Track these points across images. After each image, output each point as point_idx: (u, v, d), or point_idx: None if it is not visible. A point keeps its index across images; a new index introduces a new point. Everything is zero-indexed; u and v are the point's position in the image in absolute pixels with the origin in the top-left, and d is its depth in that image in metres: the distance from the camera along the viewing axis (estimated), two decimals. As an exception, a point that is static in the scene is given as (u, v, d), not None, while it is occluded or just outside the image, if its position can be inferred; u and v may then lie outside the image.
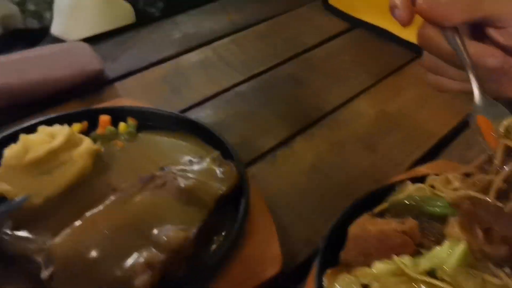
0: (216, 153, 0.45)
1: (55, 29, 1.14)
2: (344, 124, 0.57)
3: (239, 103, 0.62)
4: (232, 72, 0.68)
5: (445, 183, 0.37)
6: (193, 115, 0.59)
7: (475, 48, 0.36)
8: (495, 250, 0.31)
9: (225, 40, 0.77)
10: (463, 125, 0.56)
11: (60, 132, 0.45)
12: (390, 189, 0.40)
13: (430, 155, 0.52)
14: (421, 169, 0.44)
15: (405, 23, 0.38)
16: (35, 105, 0.59)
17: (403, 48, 0.69)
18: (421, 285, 0.29)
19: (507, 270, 0.30)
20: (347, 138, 0.54)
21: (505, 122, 0.34)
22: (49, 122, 0.48)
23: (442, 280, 0.29)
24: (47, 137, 0.44)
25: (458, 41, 0.36)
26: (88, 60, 0.64)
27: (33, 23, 2.19)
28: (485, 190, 0.34)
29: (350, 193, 0.45)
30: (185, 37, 0.77)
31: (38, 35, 1.26)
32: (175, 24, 0.81)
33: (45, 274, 0.34)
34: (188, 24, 0.81)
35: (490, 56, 0.36)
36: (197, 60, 0.71)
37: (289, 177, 0.49)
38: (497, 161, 0.33)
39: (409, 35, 0.69)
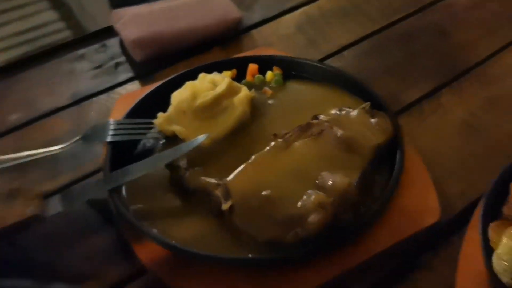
0: (367, 104, 0.48)
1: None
2: (495, 78, 0.56)
3: (378, 54, 0.62)
4: (368, 21, 0.68)
5: None
6: (332, 64, 0.61)
7: None
8: None
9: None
10: None
11: (221, 80, 0.50)
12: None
13: None
14: None
15: None
16: (182, 53, 0.65)
17: None
18: None
19: None
20: (500, 94, 0.53)
21: None
22: (205, 69, 0.53)
23: None
24: (210, 84, 0.49)
25: None
26: (228, 9, 0.68)
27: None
28: None
29: (507, 152, 0.45)
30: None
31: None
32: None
33: (225, 206, 0.40)
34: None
35: None
36: (329, 7, 0.72)
37: (438, 132, 0.50)
38: None
39: None
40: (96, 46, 0.68)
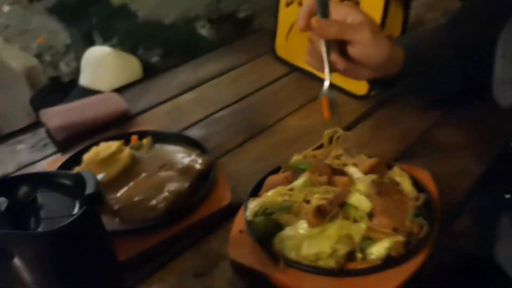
0: (198, 151, 0.87)
1: (83, 81, 1.60)
2: (278, 133, 0.98)
3: (215, 124, 1.03)
4: (211, 105, 1.10)
5: (309, 155, 0.78)
6: (187, 133, 1.00)
7: (333, 55, 0.71)
8: (319, 179, 0.71)
9: (209, 84, 1.20)
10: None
11: (113, 144, 0.86)
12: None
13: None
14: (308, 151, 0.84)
15: (301, 29, 0.71)
16: (89, 133, 1.00)
17: (321, 83, 1.11)
18: (284, 195, 0.70)
19: (324, 187, 0.70)
20: (279, 141, 0.95)
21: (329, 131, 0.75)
22: (105, 140, 0.90)
23: (293, 192, 0.70)
24: (106, 147, 0.86)
25: (325, 49, 0.71)
26: (120, 104, 1.06)
27: (50, 72, 2.70)
28: (325, 157, 0.75)
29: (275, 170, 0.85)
30: (182, 83, 1.20)
31: (68, 85, 1.72)
32: (174, 75, 1.25)
33: (116, 207, 0.75)
34: (182, 75, 1.24)
35: (337, 64, 0.74)
36: (189, 99, 1.14)
37: (241, 162, 0.89)
38: (324, 141, 0.74)
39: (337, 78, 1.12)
40: (30, 134, 1.02)
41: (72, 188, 0.45)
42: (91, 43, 2.51)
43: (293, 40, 1.20)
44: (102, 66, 1.51)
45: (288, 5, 1.19)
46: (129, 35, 2.20)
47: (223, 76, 1.23)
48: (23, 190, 0.44)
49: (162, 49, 2.16)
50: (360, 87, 1.04)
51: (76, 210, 0.43)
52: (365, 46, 0.70)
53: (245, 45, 1.39)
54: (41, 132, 1.02)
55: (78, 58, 2.46)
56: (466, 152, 0.86)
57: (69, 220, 0.40)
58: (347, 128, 0.97)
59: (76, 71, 2.00)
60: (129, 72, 1.53)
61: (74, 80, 1.74)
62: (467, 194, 0.77)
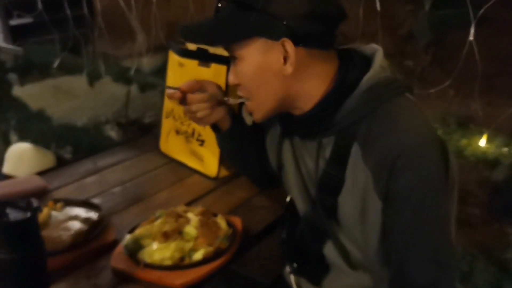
0: (95, 209, 1.34)
1: (6, 169, 2.02)
2: (153, 201, 1.49)
3: (110, 196, 1.52)
4: (108, 184, 1.59)
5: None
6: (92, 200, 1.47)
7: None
8: (169, 219, 1.22)
9: (108, 170, 1.69)
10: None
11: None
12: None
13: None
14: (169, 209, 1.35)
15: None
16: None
17: (192, 171, 1.66)
18: (147, 229, 1.19)
19: (170, 223, 1.21)
20: (153, 206, 1.45)
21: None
22: (29, 204, 1.34)
23: (153, 226, 1.20)
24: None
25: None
26: (40, 182, 1.52)
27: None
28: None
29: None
30: (87, 170, 1.69)
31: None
32: (81, 164, 1.73)
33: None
34: (88, 164, 1.73)
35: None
36: (92, 180, 1.62)
37: (127, 218, 1.38)
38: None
39: (198, 166, 1.66)
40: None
41: (25, 208, 0.92)
42: (6, 142, 2.94)
43: (171, 140, 1.76)
44: (22, 157, 1.96)
45: (167, 117, 1.76)
46: (43, 136, 2.67)
47: (119, 165, 1.74)
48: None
49: (72, 147, 2.64)
50: (212, 171, 1.60)
51: (29, 214, 0.90)
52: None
53: (138, 144, 1.93)
54: (-22, 202, 1.44)
55: (-6, 154, 2.84)
56: (266, 210, 1.42)
57: (27, 216, 0.87)
58: (202, 196, 1.51)
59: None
60: (44, 163, 1.99)
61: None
62: (262, 231, 1.32)
